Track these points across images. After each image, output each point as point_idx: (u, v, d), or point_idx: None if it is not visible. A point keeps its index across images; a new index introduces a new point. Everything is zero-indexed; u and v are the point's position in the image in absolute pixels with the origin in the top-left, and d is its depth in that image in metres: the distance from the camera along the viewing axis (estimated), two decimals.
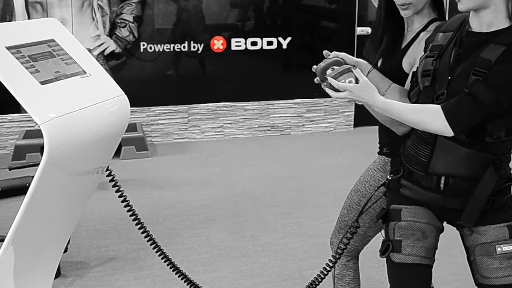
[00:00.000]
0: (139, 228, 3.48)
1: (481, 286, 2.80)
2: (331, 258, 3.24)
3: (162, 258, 3.66)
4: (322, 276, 3.27)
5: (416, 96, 2.84)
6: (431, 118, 2.62)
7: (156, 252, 3.59)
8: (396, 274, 2.86)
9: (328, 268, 3.23)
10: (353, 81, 2.73)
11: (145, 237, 3.51)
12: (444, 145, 2.71)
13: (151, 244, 3.53)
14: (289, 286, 4.58)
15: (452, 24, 2.81)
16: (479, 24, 2.67)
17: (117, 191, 3.37)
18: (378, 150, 3.35)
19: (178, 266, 3.75)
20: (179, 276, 3.79)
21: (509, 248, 2.74)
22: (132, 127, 7.57)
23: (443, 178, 2.75)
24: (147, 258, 4.90)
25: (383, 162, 3.27)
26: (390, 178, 2.97)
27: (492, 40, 2.62)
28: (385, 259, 2.88)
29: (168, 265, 3.70)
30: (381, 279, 4.25)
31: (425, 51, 2.87)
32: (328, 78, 2.75)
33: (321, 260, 4.87)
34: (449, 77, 2.69)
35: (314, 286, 3.37)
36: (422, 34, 3.10)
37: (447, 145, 2.70)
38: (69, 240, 4.27)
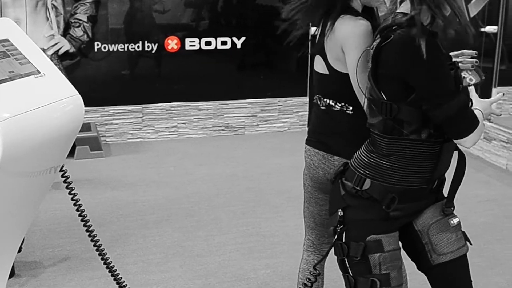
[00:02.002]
0: (86, 230, 3.49)
1: (435, 268, 2.82)
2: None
3: (104, 264, 3.67)
4: None
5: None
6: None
7: (99, 255, 3.58)
8: None
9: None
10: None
11: (91, 240, 3.51)
12: (447, 148, 2.71)
13: (94, 245, 3.54)
14: (244, 286, 4.60)
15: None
16: None
17: (69, 192, 3.37)
18: None
19: (118, 274, 3.76)
20: (117, 284, 3.80)
21: (457, 220, 2.85)
22: (86, 127, 7.52)
23: (436, 181, 2.78)
24: None
25: None
26: (341, 214, 2.80)
27: None
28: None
29: (109, 272, 3.71)
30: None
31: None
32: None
33: (275, 260, 4.92)
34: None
35: None
36: None
37: (449, 146, 2.72)
38: (23, 240, 4.25)
